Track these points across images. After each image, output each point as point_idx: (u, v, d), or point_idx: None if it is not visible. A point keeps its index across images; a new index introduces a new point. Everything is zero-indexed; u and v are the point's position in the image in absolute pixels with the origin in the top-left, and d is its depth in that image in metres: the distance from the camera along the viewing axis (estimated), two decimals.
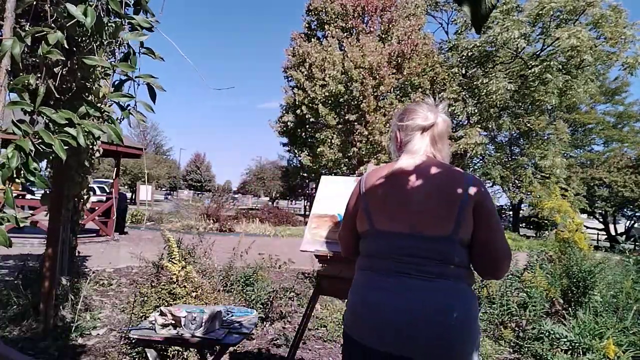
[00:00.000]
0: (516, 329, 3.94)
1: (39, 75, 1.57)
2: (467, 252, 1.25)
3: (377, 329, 1.22)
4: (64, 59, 1.56)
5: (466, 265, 1.26)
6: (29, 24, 1.57)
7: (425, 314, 1.17)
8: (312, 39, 20.54)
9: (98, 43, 1.80)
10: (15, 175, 1.43)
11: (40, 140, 1.49)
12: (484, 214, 1.24)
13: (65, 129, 1.58)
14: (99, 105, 1.74)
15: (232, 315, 2.59)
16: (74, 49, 1.75)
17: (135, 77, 1.77)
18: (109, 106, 1.76)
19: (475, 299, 1.28)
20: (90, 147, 3.80)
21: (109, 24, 1.75)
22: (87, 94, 1.98)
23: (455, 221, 1.21)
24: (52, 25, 1.56)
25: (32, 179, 1.47)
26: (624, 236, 24.06)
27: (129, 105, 1.78)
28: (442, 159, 1.36)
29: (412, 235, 1.23)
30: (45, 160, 2.92)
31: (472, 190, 1.24)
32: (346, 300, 1.38)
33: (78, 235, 4.46)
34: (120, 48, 1.81)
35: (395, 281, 1.23)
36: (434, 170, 1.29)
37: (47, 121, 1.60)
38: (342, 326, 1.37)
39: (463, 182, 1.25)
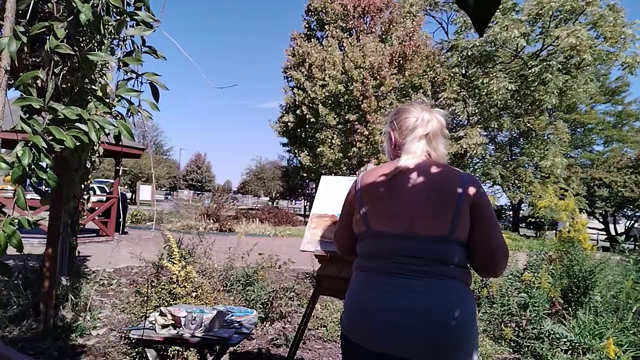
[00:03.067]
0: (516, 329, 3.94)
1: (47, 71, 1.56)
2: (465, 252, 1.25)
3: (375, 331, 1.21)
4: (73, 53, 1.56)
5: (464, 265, 1.26)
6: (22, 25, 1.57)
7: (423, 315, 1.17)
8: (312, 39, 20.53)
9: (99, 40, 1.79)
10: (28, 173, 1.41)
11: (50, 137, 1.48)
12: (480, 212, 1.23)
13: (75, 125, 1.57)
14: (107, 101, 1.74)
15: (232, 315, 2.59)
16: (75, 47, 1.75)
17: (140, 74, 1.76)
18: (118, 102, 1.75)
19: (473, 298, 1.28)
20: (93, 146, 3.80)
21: (110, 23, 1.74)
22: (92, 91, 1.98)
23: (452, 221, 1.20)
24: (60, 18, 1.55)
25: (44, 176, 1.46)
26: (624, 236, 24.07)
27: (139, 103, 1.77)
28: (437, 158, 1.35)
29: (409, 235, 1.22)
30: None
31: (468, 189, 1.23)
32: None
33: (78, 235, 4.47)
34: (122, 46, 1.81)
35: (393, 282, 1.22)
36: (430, 170, 1.29)
37: (48, 120, 1.59)
38: (340, 328, 1.37)
39: (459, 182, 1.25)
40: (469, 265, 1.29)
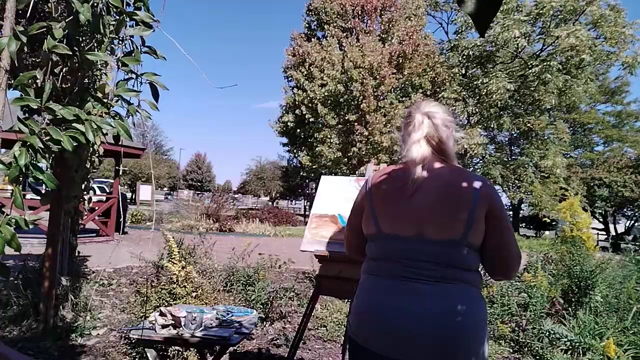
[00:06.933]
0: (516, 328, 3.94)
1: (45, 72, 1.56)
2: (477, 255, 1.23)
3: (383, 334, 1.20)
4: (70, 53, 1.56)
5: (475, 269, 1.24)
6: (22, 24, 1.57)
7: (432, 319, 1.15)
8: (312, 39, 20.54)
9: (99, 40, 1.79)
10: (24, 173, 1.41)
11: (47, 138, 1.48)
12: (495, 216, 1.21)
13: (72, 125, 1.56)
14: (105, 101, 1.73)
15: (232, 315, 2.59)
16: (75, 48, 1.75)
17: (139, 74, 1.75)
18: (116, 102, 1.75)
19: (484, 303, 1.26)
20: (92, 146, 3.80)
21: (111, 23, 1.74)
22: (91, 91, 1.97)
23: (466, 224, 1.19)
24: (58, 18, 1.55)
25: (41, 177, 1.46)
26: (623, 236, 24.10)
27: (139, 103, 1.77)
28: (446, 157, 1.33)
29: (420, 239, 1.21)
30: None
31: (483, 192, 1.22)
32: (346, 300, 1.37)
33: (78, 235, 4.46)
34: (122, 46, 1.81)
35: (402, 285, 1.21)
36: (442, 172, 1.27)
37: (48, 121, 1.59)
38: (346, 330, 1.36)
39: (472, 184, 1.23)
40: (480, 268, 1.27)
